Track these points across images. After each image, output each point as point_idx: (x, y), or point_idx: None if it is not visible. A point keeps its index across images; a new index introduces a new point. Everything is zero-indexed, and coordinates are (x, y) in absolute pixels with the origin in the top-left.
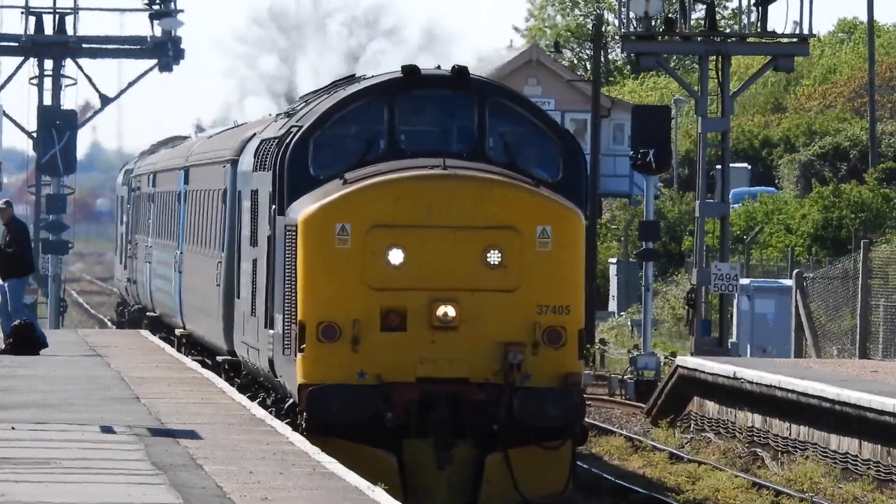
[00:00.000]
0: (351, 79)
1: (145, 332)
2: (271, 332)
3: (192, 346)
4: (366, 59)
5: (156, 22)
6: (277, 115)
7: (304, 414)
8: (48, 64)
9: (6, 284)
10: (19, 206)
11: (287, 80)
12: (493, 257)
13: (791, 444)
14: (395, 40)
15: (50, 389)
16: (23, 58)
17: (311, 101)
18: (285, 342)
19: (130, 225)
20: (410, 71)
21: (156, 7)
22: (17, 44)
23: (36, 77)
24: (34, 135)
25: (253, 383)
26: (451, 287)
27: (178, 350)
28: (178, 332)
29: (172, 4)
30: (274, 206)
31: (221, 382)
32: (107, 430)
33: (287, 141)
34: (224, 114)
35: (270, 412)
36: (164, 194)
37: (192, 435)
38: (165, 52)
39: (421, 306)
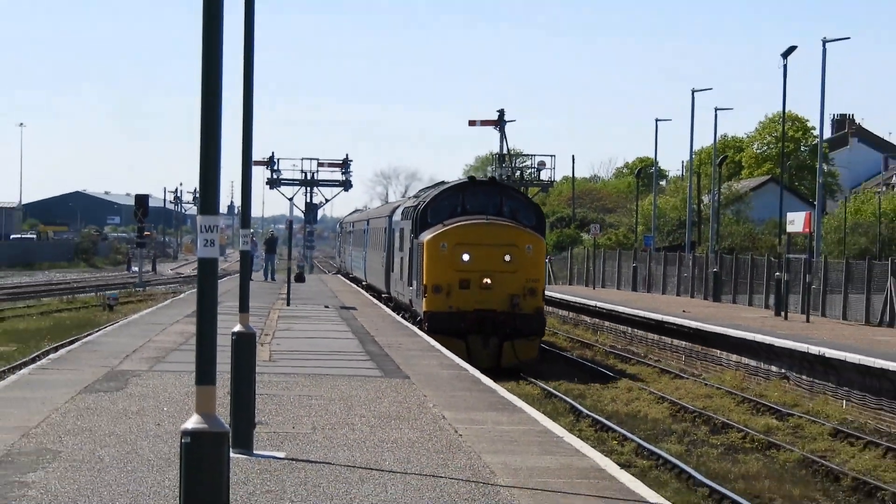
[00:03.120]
0: (442, 183)
1: (341, 277)
2: (411, 287)
3: (368, 288)
4: (411, 189)
5: (342, 174)
6: (409, 197)
7: (426, 324)
8: (307, 190)
9: (271, 257)
10: (298, 235)
11: (385, 196)
12: (507, 258)
13: (573, 321)
14: (420, 181)
15: (306, 292)
16: (300, 187)
17: (426, 190)
18: (417, 292)
19: (341, 242)
20: (471, 178)
21: (343, 170)
22: (299, 182)
23: (305, 194)
24: (303, 212)
25: (397, 307)
26: (489, 270)
27: (362, 289)
28: (362, 283)
29: (350, 168)
30: (412, 235)
31: (364, 293)
32: (326, 306)
33: (419, 207)
34: (365, 205)
35: (407, 321)
36: (357, 231)
37: (354, 308)
38: (346, 184)
39: (476, 278)
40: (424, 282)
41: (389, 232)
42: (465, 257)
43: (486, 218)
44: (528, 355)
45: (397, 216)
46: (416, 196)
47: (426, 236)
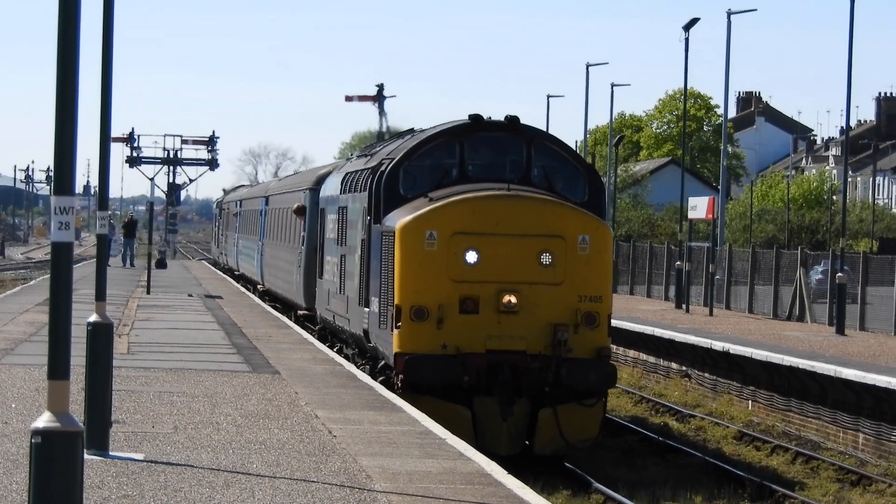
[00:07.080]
0: (411, 130)
1: (207, 263)
2: (367, 310)
3: (265, 294)
4: (281, 170)
5: (209, 152)
6: (349, 157)
7: (400, 375)
8: (170, 169)
9: (130, 241)
10: (160, 217)
11: (254, 176)
12: (546, 258)
13: None
14: (293, 161)
15: (168, 280)
16: (162, 166)
17: (384, 146)
18: (381, 319)
19: (221, 227)
20: (476, 118)
21: (209, 148)
22: (161, 160)
23: (168, 174)
24: (165, 193)
25: (330, 336)
26: (513, 281)
27: (259, 297)
28: (259, 287)
29: (217, 146)
30: (369, 217)
31: (231, 280)
32: (190, 295)
33: (381, 170)
34: (234, 185)
35: (355, 363)
36: (249, 211)
37: (220, 297)
38: (213, 163)
39: (490, 295)
40: (397, 300)
41: (314, 215)
42: (471, 257)
43: (507, 187)
44: (584, 434)
45: (331, 188)
46: (366, 154)
47: (399, 220)
